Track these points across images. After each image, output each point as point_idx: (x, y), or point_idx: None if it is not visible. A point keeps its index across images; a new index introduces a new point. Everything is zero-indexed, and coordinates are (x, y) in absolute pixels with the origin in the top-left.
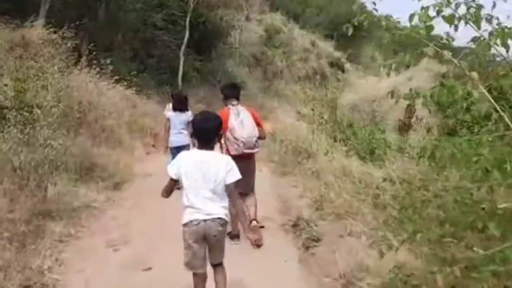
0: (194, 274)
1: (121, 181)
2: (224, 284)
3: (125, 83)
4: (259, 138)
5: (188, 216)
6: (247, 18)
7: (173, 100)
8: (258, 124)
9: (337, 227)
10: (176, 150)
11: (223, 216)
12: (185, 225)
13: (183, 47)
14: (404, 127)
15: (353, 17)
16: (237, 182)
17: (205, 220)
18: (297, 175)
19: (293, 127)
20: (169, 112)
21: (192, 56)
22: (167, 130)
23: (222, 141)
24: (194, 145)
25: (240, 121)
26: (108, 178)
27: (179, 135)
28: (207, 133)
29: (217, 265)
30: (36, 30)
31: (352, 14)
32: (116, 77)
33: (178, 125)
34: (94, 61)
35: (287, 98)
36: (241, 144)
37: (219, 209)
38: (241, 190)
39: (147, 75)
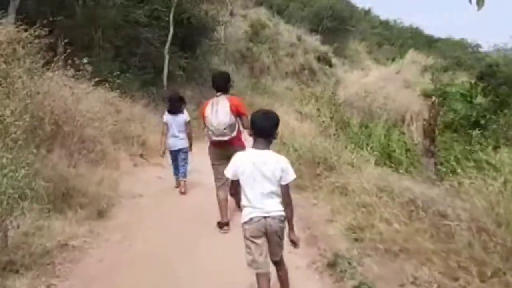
0: (258, 274)
1: (106, 206)
2: (287, 280)
3: (107, 85)
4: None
5: (248, 214)
6: (231, 13)
7: (168, 103)
8: (240, 113)
9: (392, 270)
10: (174, 154)
11: (282, 213)
12: (245, 223)
13: (167, 45)
14: (430, 128)
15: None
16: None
17: (265, 217)
18: (317, 191)
19: (300, 130)
20: (165, 116)
21: (177, 53)
22: (164, 134)
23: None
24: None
25: (215, 111)
26: (89, 204)
27: (175, 139)
28: (266, 131)
29: (278, 262)
30: (4, 29)
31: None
32: (97, 79)
33: (175, 128)
34: (71, 62)
35: (277, 95)
36: (210, 133)
37: (277, 205)
38: (221, 175)
39: (130, 75)
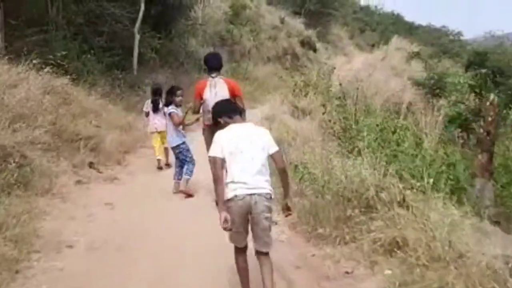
0: (235, 248)
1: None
2: (271, 278)
3: (54, 69)
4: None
5: (232, 191)
6: None
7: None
8: (235, 95)
9: None
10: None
11: (269, 191)
12: (229, 200)
13: (138, 23)
14: (489, 139)
15: None
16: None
17: (250, 195)
18: (350, 246)
19: (302, 133)
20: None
21: (149, 33)
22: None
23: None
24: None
25: (214, 93)
26: None
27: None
28: (239, 108)
29: (263, 254)
30: None
31: None
32: (39, 60)
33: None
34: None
35: (260, 82)
36: (210, 115)
37: (264, 183)
38: None
39: (92, 57)
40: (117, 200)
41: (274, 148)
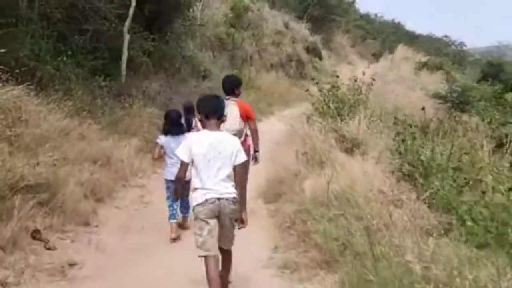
0: (207, 257)
1: None
2: (229, 270)
3: (10, 75)
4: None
5: (202, 196)
6: None
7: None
8: (248, 118)
9: None
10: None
11: (235, 195)
12: (199, 204)
13: (128, 21)
14: None
15: None
16: None
17: (219, 199)
18: None
19: (371, 187)
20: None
21: (141, 34)
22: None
23: None
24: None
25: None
26: None
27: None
28: (217, 112)
29: (226, 251)
30: None
31: None
32: None
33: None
34: None
35: (264, 91)
36: None
37: (231, 188)
38: None
39: (69, 59)
40: None
41: (239, 160)
